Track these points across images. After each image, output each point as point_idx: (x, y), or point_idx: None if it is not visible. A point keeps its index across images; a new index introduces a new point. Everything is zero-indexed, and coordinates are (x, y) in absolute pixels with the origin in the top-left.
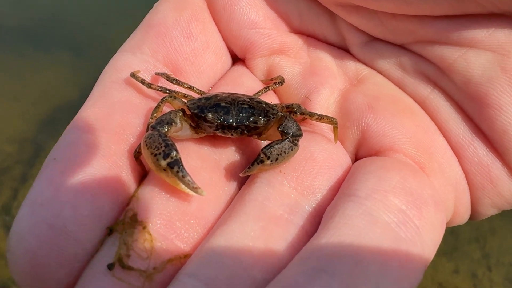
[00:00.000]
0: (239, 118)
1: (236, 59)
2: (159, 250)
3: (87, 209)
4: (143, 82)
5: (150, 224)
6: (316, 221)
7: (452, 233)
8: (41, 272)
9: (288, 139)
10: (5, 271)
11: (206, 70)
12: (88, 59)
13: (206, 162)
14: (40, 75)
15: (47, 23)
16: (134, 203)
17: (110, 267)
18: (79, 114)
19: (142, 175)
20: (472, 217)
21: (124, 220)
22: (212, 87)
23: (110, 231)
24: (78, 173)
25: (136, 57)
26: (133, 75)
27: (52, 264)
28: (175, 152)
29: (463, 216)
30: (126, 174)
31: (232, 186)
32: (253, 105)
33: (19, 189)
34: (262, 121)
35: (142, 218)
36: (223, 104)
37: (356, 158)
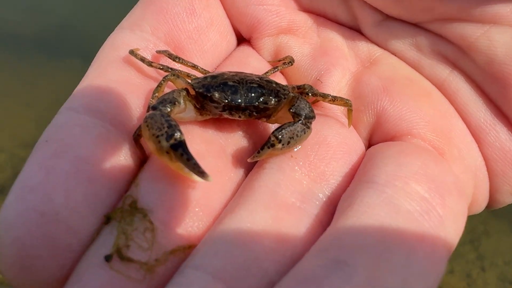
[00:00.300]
0: (248, 98)
1: (241, 40)
2: (161, 240)
3: (81, 195)
4: (143, 60)
5: (151, 212)
6: (330, 209)
7: None
8: (31, 264)
9: (300, 121)
10: None
11: (209, 49)
12: None
13: (211, 146)
14: (53, 82)
15: (60, 31)
16: (133, 189)
17: (108, 258)
18: (74, 93)
19: (142, 160)
20: (489, 205)
21: (123, 207)
22: (216, 68)
23: (107, 219)
24: (71, 156)
25: (136, 34)
26: (132, 52)
27: (43, 254)
28: (179, 134)
29: (481, 205)
30: (124, 158)
31: (238, 172)
32: (262, 85)
33: None
34: (272, 102)
35: (142, 206)
36: (230, 83)
37: (369, 143)
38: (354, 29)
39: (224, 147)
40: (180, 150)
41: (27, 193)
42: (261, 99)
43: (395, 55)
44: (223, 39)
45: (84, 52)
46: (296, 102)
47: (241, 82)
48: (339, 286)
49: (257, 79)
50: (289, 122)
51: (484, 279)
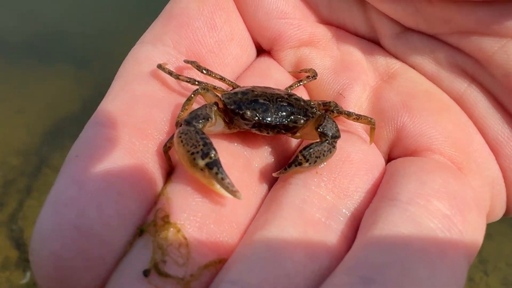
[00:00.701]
0: (278, 117)
1: (261, 51)
2: (194, 255)
3: (112, 209)
4: (170, 73)
5: (184, 227)
6: (354, 225)
7: None
8: (66, 276)
9: (327, 141)
10: (13, 279)
11: (230, 62)
12: (91, 72)
13: (237, 160)
14: (44, 88)
15: (51, 37)
16: (164, 203)
17: (146, 273)
18: (100, 108)
19: (168, 171)
20: (507, 213)
21: (156, 221)
22: (237, 79)
23: (140, 231)
24: (102, 170)
25: (158, 48)
26: (160, 66)
27: (78, 267)
28: (214, 152)
29: (498, 214)
30: (151, 171)
31: (263, 186)
32: (292, 103)
33: (24, 200)
34: (302, 121)
35: (175, 220)
36: (261, 101)
37: (389, 157)
38: (372, 41)
39: (249, 160)
40: (215, 169)
41: (61, 208)
42: (291, 118)
43: (414, 68)
44: (243, 52)
45: (76, 58)
46: (323, 122)
47: (271, 100)
48: None
49: (286, 96)
50: (316, 142)
51: (487, 283)
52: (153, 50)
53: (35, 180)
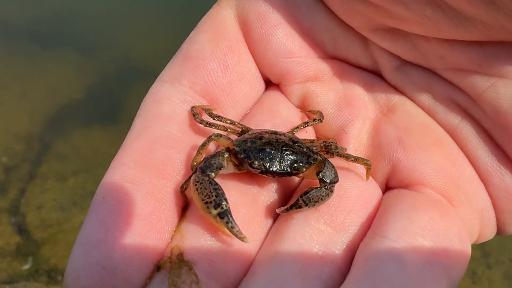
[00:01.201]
0: (282, 165)
1: (270, 83)
2: None
3: (134, 249)
4: (194, 115)
5: (195, 265)
6: (349, 256)
7: None
8: None
9: (325, 187)
10: (15, 266)
11: (241, 99)
12: (94, 58)
13: (245, 197)
14: (47, 74)
15: (54, 22)
16: (179, 240)
17: None
18: (123, 149)
19: (183, 208)
20: (498, 233)
21: (171, 258)
22: (247, 114)
23: (158, 268)
24: (126, 213)
25: (175, 88)
26: (192, 109)
27: None
28: (224, 202)
29: (489, 236)
30: (169, 210)
31: (268, 220)
32: (295, 151)
33: (26, 187)
34: (304, 169)
35: (188, 258)
36: (268, 150)
37: (386, 187)
38: (375, 73)
39: (256, 196)
40: (226, 218)
41: (90, 250)
42: (294, 166)
43: (412, 100)
44: (252, 89)
45: (79, 44)
46: (323, 168)
47: (277, 148)
48: None
49: (290, 143)
50: (316, 188)
51: (489, 277)
52: (171, 90)
53: (37, 166)
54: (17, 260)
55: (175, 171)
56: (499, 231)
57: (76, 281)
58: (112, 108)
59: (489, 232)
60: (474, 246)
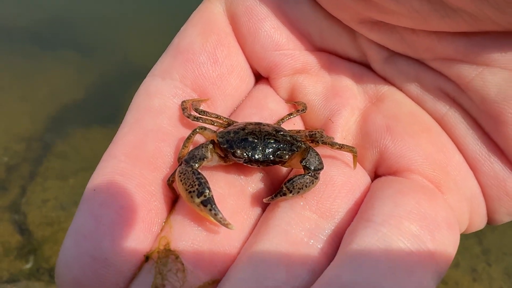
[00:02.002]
0: (265, 153)
1: (260, 76)
2: (190, 278)
3: (124, 240)
4: (183, 110)
5: (182, 253)
6: (336, 242)
7: None
8: None
9: (310, 174)
10: (16, 265)
11: (231, 92)
12: (94, 59)
13: (233, 188)
14: (47, 75)
15: (54, 24)
16: (167, 231)
17: None
18: (115, 142)
19: (173, 200)
20: (489, 223)
21: (159, 248)
22: (237, 108)
23: (146, 258)
24: (116, 205)
25: (166, 82)
26: (182, 103)
27: None
28: (207, 191)
29: (479, 225)
30: (159, 202)
31: (256, 210)
32: (278, 139)
33: (27, 186)
34: (286, 157)
35: (175, 247)
36: (250, 139)
37: (375, 175)
38: (364, 65)
39: (244, 187)
40: (209, 206)
41: (81, 240)
42: (277, 153)
43: (401, 90)
44: (242, 82)
45: (79, 45)
46: (307, 156)
47: (260, 138)
48: None
49: (274, 132)
50: (300, 175)
51: (490, 273)
52: (162, 84)
53: (38, 166)
54: (18, 259)
55: (166, 164)
56: (490, 220)
57: (67, 271)
58: (112, 109)
59: (479, 221)
60: (474, 243)
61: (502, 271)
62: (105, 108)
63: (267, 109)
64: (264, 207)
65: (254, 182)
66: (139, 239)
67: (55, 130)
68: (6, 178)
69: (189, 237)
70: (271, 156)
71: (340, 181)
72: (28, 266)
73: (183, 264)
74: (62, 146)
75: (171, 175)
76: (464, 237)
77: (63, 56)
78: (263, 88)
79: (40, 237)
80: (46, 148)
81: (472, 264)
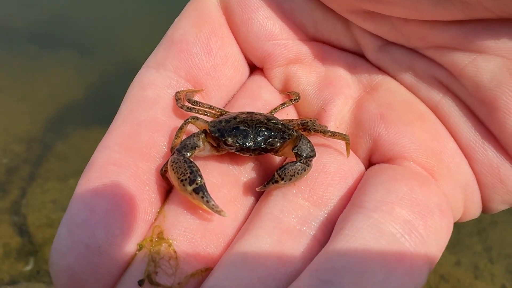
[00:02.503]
0: (256, 141)
1: (255, 67)
2: (183, 266)
3: (118, 229)
4: (177, 101)
5: (175, 241)
6: (329, 229)
7: (454, 227)
8: (80, 286)
9: (301, 161)
10: (16, 267)
11: (225, 83)
12: (93, 59)
13: (226, 178)
14: (47, 76)
15: (53, 24)
16: (161, 220)
17: (140, 283)
18: (109, 133)
19: (167, 190)
20: (484, 211)
21: (152, 236)
22: (232, 99)
23: (139, 247)
24: (110, 195)
25: (160, 73)
26: (176, 94)
27: (89, 279)
28: (199, 178)
29: (474, 213)
30: (152, 192)
31: (250, 199)
32: (270, 127)
33: (27, 188)
34: (278, 144)
35: (168, 236)
36: (241, 127)
37: (369, 163)
38: (358, 54)
39: (237, 176)
40: (201, 193)
41: (75, 229)
42: (268, 141)
43: (395, 79)
44: (236, 73)
45: (78, 45)
46: (299, 143)
47: (251, 126)
48: None
49: (265, 121)
50: (292, 162)
51: (492, 271)
52: (156, 75)
53: (38, 167)
54: (18, 261)
55: (159, 154)
56: (485, 209)
57: (61, 260)
58: (112, 109)
59: (474, 209)
60: (476, 240)
61: (504, 268)
62: (105, 109)
63: (261, 99)
64: (258, 196)
65: (247, 171)
66: (133, 228)
67: (55, 131)
68: (6, 180)
69: (182, 225)
70: (262, 143)
71: (333, 168)
72: (29, 268)
73: (175, 252)
74: (62, 147)
75: (164, 165)
76: (466, 234)
77: (63, 56)
78: (257, 79)
79: (40, 239)
80: (46, 149)
81: (474, 261)
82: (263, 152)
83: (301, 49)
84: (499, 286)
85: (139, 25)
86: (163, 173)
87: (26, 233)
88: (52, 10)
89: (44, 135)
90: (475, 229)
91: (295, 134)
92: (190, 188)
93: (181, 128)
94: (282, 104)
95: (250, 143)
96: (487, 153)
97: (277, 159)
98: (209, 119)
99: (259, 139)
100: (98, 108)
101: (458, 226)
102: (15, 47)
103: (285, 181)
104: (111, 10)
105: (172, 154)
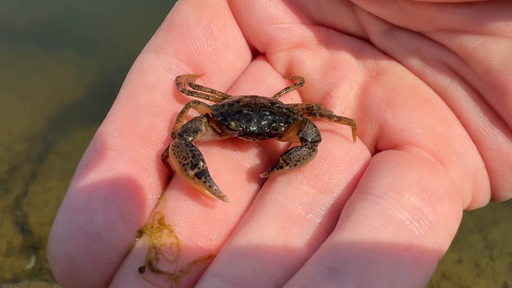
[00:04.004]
0: (260, 125)
1: (257, 53)
2: (185, 253)
3: (117, 215)
4: (178, 85)
5: (176, 228)
6: (335, 216)
7: None
8: (78, 274)
9: (306, 146)
10: (18, 265)
11: (227, 68)
12: (96, 57)
13: (229, 163)
14: (49, 74)
15: (55, 22)
16: (162, 206)
17: (141, 270)
18: (108, 118)
19: (168, 176)
20: (492, 199)
21: (153, 223)
22: (234, 83)
23: (140, 233)
24: (109, 181)
25: (160, 58)
26: (176, 79)
27: (88, 266)
28: (201, 163)
29: (483, 201)
30: (153, 177)
31: (253, 186)
32: (274, 111)
33: (29, 186)
34: (282, 129)
35: (169, 222)
36: (245, 111)
37: (375, 150)
38: (363, 39)
39: (240, 162)
40: (203, 178)
41: (73, 215)
42: (273, 125)
43: (401, 64)
44: (239, 57)
45: (80, 43)
46: (304, 128)
47: (255, 110)
48: None
49: (269, 105)
50: (297, 147)
51: (493, 269)
52: (156, 59)
53: (40, 165)
54: (20, 259)
55: (160, 139)
56: (493, 196)
57: (59, 247)
58: None
59: (483, 196)
60: (477, 238)
61: (506, 266)
62: (107, 107)
63: (264, 84)
64: (262, 182)
65: (250, 157)
66: (132, 213)
67: (57, 130)
68: (8, 178)
69: (184, 211)
70: (266, 128)
71: (339, 154)
72: (30, 266)
73: (177, 238)
74: (64, 145)
75: (165, 150)
76: (467, 232)
77: (65, 55)
78: (260, 63)
79: (42, 237)
80: (48, 147)
81: (475, 259)
82: (267, 137)
83: (305, 33)
84: (501, 284)
85: (141, 23)
86: (164, 158)
87: (28, 231)
88: (54, 9)
89: (46, 133)
90: (477, 226)
91: (300, 118)
92: (192, 173)
93: (182, 112)
94: (286, 88)
95: (253, 127)
96: (497, 138)
97: (281, 144)
98: (211, 103)
99: (263, 123)
100: (100, 107)
101: (460, 224)
102: (16, 46)
103: (290, 167)
104: (113, 8)
105: (174, 139)
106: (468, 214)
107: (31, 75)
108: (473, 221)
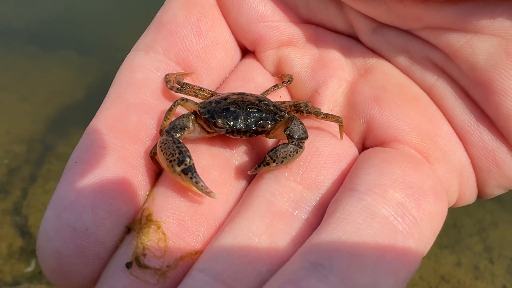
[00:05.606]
0: (247, 122)
1: (247, 51)
2: (172, 248)
3: (105, 211)
4: (166, 83)
5: (164, 224)
6: (321, 213)
7: (454, 226)
8: (67, 270)
9: (293, 143)
10: (18, 268)
11: (216, 66)
12: (95, 58)
13: (217, 160)
14: (48, 76)
15: (54, 24)
16: (150, 203)
17: (128, 265)
18: (97, 116)
19: (157, 173)
20: (479, 197)
21: (141, 219)
22: (223, 81)
23: (128, 230)
24: (97, 176)
25: (149, 56)
26: (165, 76)
27: (76, 262)
28: (188, 159)
29: (469, 198)
30: (141, 174)
31: (241, 182)
32: (261, 108)
33: (28, 188)
34: (269, 126)
35: (156, 218)
36: (232, 109)
37: (363, 147)
38: (351, 37)
39: (228, 159)
40: (189, 174)
41: (62, 212)
42: (259, 123)
43: (389, 61)
44: (227, 55)
45: (79, 45)
46: (291, 125)
47: (242, 107)
48: (316, 286)
49: (256, 102)
50: (283, 144)
51: (492, 272)
52: (145, 58)
53: (39, 167)
54: (20, 262)
55: (148, 136)
56: (480, 194)
57: (48, 243)
58: None
59: (469, 194)
60: (476, 241)
61: (505, 269)
62: None
63: (253, 81)
64: (250, 180)
65: (239, 154)
66: (121, 210)
67: (56, 131)
68: (7, 181)
69: (172, 208)
70: (253, 125)
71: (326, 151)
72: (30, 269)
73: (165, 234)
74: (64, 147)
75: (153, 147)
76: (466, 235)
77: (64, 56)
78: (249, 62)
79: None
80: (47, 149)
81: (474, 262)
82: (254, 135)
83: (294, 31)
84: (499, 287)
85: (140, 24)
86: (152, 155)
87: (28, 234)
88: (53, 10)
89: (45, 135)
90: (475, 229)
91: (287, 115)
92: (179, 169)
93: (170, 109)
94: (275, 86)
95: (240, 125)
96: (482, 136)
97: (270, 142)
98: (200, 101)
99: (250, 121)
100: (99, 108)
101: (459, 226)
102: (16, 47)
103: (276, 164)
104: (111, 9)
105: (161, 136)
106: (467, 217)
107: (30, 76)
108: (472, 224)
